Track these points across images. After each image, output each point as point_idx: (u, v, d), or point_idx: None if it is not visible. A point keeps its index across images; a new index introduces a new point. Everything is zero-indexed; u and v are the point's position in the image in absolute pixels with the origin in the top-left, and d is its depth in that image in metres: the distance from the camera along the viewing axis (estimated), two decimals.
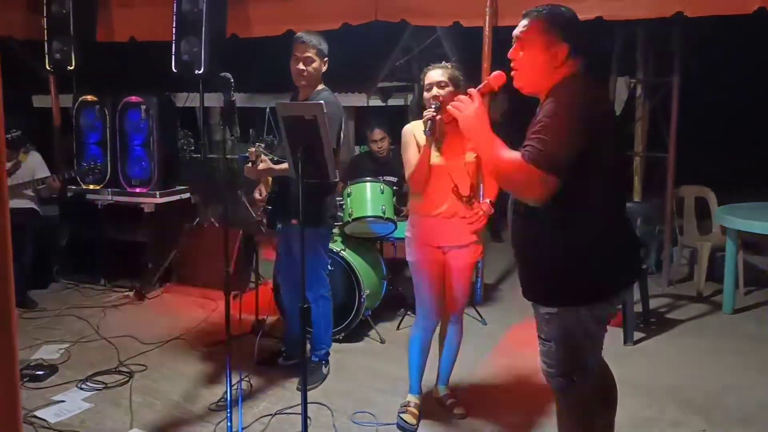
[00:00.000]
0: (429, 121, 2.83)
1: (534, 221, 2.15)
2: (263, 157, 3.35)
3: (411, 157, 3.03)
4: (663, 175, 5.52)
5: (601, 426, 2.41)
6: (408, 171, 3.03)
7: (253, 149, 3.37)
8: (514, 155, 2.04)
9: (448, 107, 2.22)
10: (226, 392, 3.12)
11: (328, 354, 3.74)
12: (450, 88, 2.95)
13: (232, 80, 2.64)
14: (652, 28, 5.32)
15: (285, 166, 3.29)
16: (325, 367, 3.72)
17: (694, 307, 5.00)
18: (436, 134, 2.92)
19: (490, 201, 3.03)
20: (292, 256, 3.57)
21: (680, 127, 5.35)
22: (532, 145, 2.00)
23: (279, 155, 3.45)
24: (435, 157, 2.99)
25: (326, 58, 3.48)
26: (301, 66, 3.40)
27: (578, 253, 2.13)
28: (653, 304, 4.81)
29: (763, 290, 5.38)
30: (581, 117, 2.03)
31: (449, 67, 3.03)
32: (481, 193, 3.09)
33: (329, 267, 3.75)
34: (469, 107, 2.13)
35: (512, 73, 2.21)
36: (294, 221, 3.43)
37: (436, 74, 2.98)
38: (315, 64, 3.42)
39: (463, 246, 3.08)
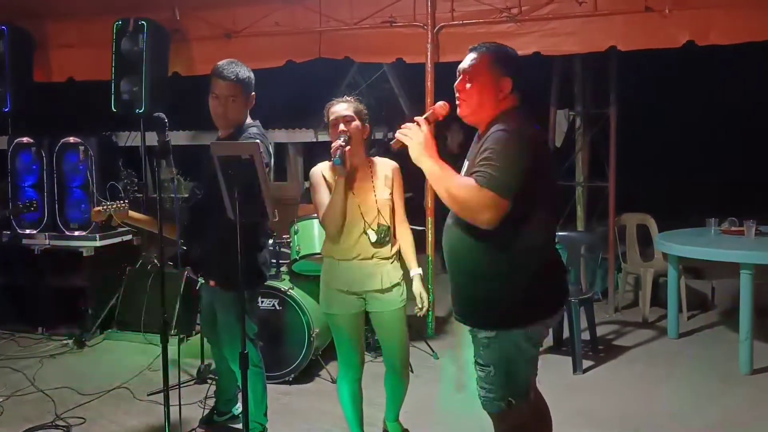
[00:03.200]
0: (339, 150, 2.74)
1: (477, 242, 2.19)
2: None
3: (323, 197, 2.88)
4: (605, 204, 5.66)
5: None
6: (321, 211, 2.87)
7: (99, 208, 3.14)
8: (467, 180, 2.13)
9: (397, 134, 2.25)
10: None
11: None
12: (357, 123, 2.87)
13: (166, 120, 2.58)
14: (589, 63, 5.52)
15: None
16: None
17: (640, 332, 5.09)
18: (347, 165, 2.78)
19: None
20: (214, 314, 3.18)
21: (619, 156, 5.53)
22: (483, 170, 2.08)
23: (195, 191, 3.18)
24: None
25: (253, 92, 3.03)
26: (221, 109, 2.95)
27: (519, 275, 2.19)
28: (600, 331, 4.88)
29: (705, 314, 5.53)
30: (527, 145, 2.14)
31: (352, 100, 2.95)
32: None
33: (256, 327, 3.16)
34: (417, 134, 2.20)
35: (458, 102, 2.31)
36: (212, 283, 3.06)
37: (341, 108, 2.89)
38: (238, 103, 2.96)
39: (385, 290, 2.90)
